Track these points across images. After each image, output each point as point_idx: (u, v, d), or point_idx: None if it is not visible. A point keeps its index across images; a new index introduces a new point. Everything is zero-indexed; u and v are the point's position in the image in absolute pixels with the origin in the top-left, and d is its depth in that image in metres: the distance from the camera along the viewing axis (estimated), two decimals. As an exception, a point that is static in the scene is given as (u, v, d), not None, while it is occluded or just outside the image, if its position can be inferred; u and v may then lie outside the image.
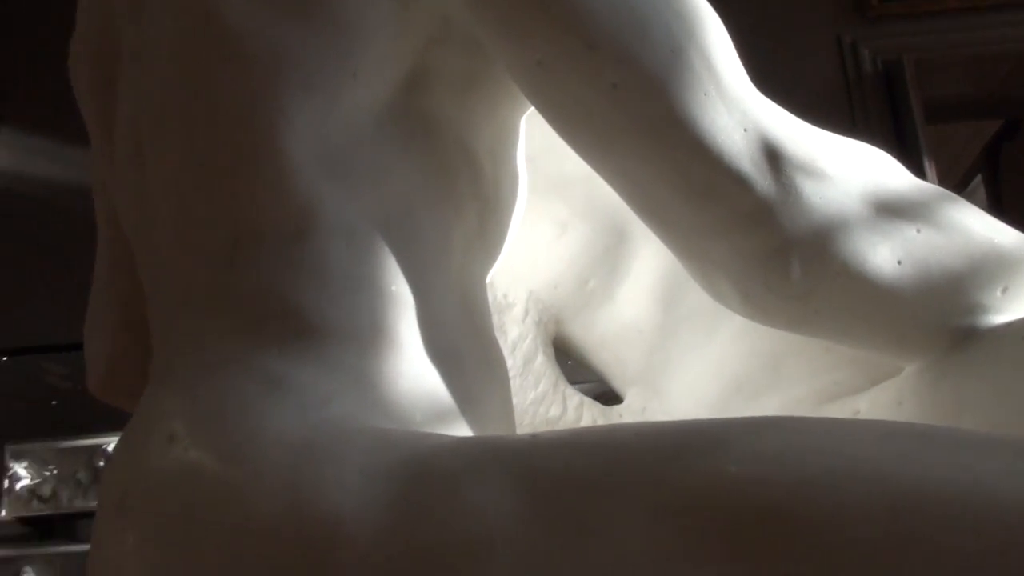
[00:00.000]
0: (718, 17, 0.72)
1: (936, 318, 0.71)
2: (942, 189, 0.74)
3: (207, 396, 0.60)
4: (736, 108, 0.67)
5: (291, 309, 0.63)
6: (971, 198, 3.63)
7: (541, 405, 0.96)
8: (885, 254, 0.68)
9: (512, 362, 0.96)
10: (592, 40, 0.65)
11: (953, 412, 0.70)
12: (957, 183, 4.00)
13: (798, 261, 0.67)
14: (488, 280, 0.92)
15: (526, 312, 0.97)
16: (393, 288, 0.65)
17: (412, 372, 0.64)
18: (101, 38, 0.82)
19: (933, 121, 3.65)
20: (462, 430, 0.65)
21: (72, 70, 0.87)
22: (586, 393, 1.01)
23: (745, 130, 0.67)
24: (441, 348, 0.67)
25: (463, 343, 0.69)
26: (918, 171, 3.47)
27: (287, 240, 0.64)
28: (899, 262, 0.68)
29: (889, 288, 0.68)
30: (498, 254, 0.79)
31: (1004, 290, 0.71)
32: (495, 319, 0.96)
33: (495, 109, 0.74)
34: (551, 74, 0.68)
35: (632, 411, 0.97)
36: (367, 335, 0.63)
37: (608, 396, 1.01)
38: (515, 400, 0.95)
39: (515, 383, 0.96)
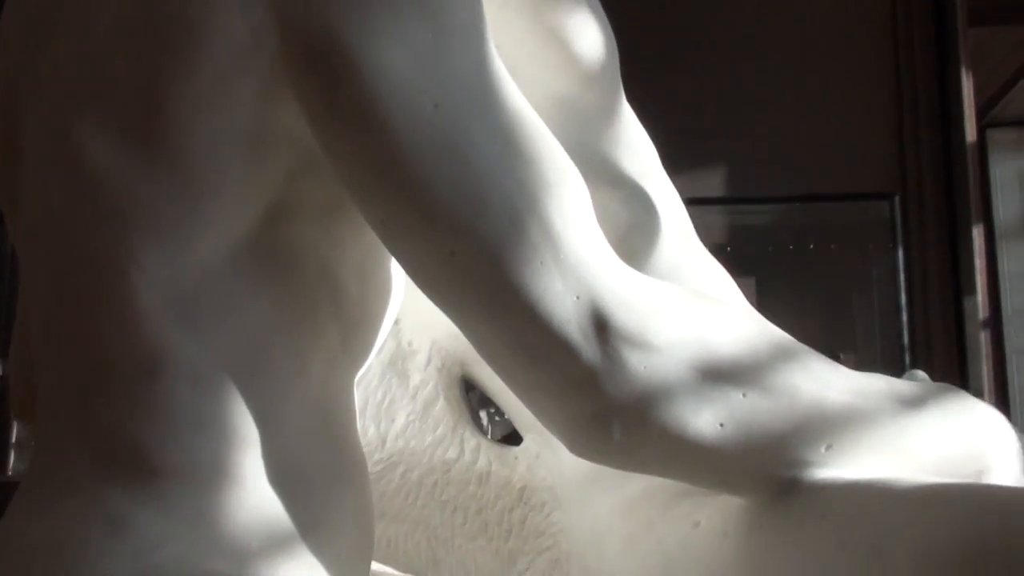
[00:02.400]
0: (573, 170, 0.73)
1: (760, 471, 0.75)
2: (781, 343, 0.77)
3: (55, 527, 0.67)
4: (571, 275, 0.69)
5: (136, 448, 0.68)
6: (1010, 106, 3.53)
7: (439, 448, 1.02)
8: (707, 418, 0.72)
9: (412, 407, 1.02)
10: (430, 212, 0.67)
11: (760, 564, 0.75)
12: (993, 94, 3.87)
13: (619, 425, 0.71)
14: (394, 322, 0.97)
15: (429, 359, 1.02)
16: (238, 425, 0.70)
17: (251, 503, 0.69)
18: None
19: (977, 24, 3.51)
20: (302, 555, 0.71)
21: None
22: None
23: (577, 297, 0.69)
24: (286, 474, 0.72)
25: (313, 462, 0.75)
26: (955, 80, 3.39)
27: (136, 380, 0.69)
28: (721, 424, 0.72)
29: (711, 448, 0.72)
30: (366, 359, 0.83)
31: (828, 447, 0.74)
32: (398, 365, 1.01)
33: (362, 231, 0.77)
34: (393, 235, 0.70)
35: (528, 455, 1.03)
36: (208, 473, 0.69)
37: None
38: (413, 443, 1.01)
39: (414, 427, 1.01)
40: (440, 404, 1.02)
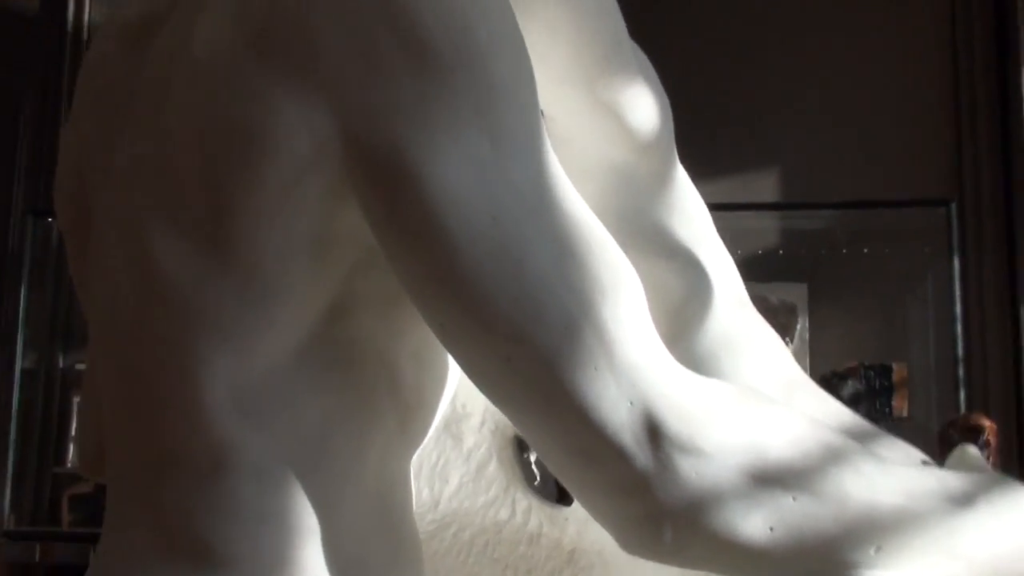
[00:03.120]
0: (628, 271, 0.74)
1: (809, 573, 0.76)
2: (832, 444, 0.77)
3: None
4: (625, 380, 0.70)
5: (202, 538, 0.72)
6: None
7: (491, 508, 1.03)
8: (757, 522, 0.72)
9: (466, 468, 1.03)
10: (487, 321, 0.69)
11: None
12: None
13: (670, 528, 0.72)
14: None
15: (483, 422, 1.03)
16: (299, 515, 0.73)
17: None
18: (78, 191, 0.88)
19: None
20: None
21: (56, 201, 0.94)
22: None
23: (631, 403, 0.71)
24: (344, 561, 0.75)
25: (370, 547, 0.77)
26: (1015, 76, 3.33)
27: (201, 473, 0.72)
28: (771, 528, 0.73)
29: (761, 551, 0.73)
30: (423, 440, 0.85)
31: (878, 549, 0.75)
32: (452, 427, 1.03)
33: (419, 320, 0.79)
34: (451, 338, 0.72)
35: (578, 517, 1.04)
36: (270, 562, 0.72)
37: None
38: (466, 504, 1.03)
39: (467, 488, 1.03)
40: (493, 465, 1.03)
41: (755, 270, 3.25)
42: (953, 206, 3.31)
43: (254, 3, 0.72)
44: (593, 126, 0.97)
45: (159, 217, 0.73)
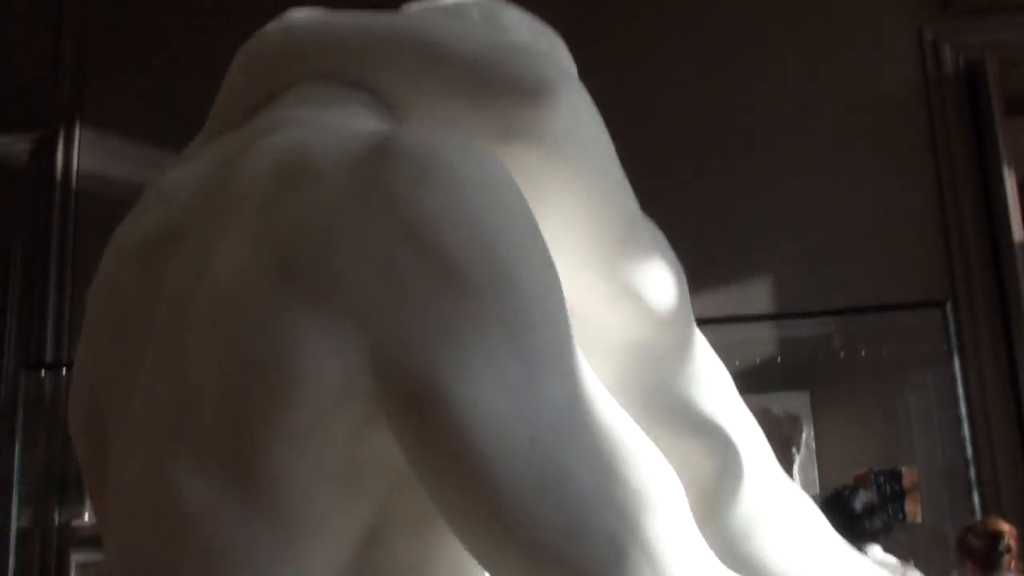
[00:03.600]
0: (670, 480, 0.72)
1: None
2: None
3: None
4: None
5: None
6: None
7: None
8: None
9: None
10: (532, 547, 0.67)
11: None
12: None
13: None
14: None
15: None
16: None
17: None
18: (91, 406, 0.86)
19: (1014, 113, 3.50)
20: None
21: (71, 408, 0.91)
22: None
23: None
24: None
25: None
26: (996, 172, 3.37)
27: None
28: None
29: None
30: None
31: None
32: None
33: (454, 541, 0.77)
34: (492, 562, 0.70)
35: None
36: None
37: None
38: None
39: None
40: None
41: (755, 381, 3.24)
42: (948, 306, 3.32)
43: (276, 230, 0.71)
44: (612, 306, 0.96)
45: (182, 453, 0.71)
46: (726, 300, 3.31)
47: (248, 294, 0.70)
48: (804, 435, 3.41)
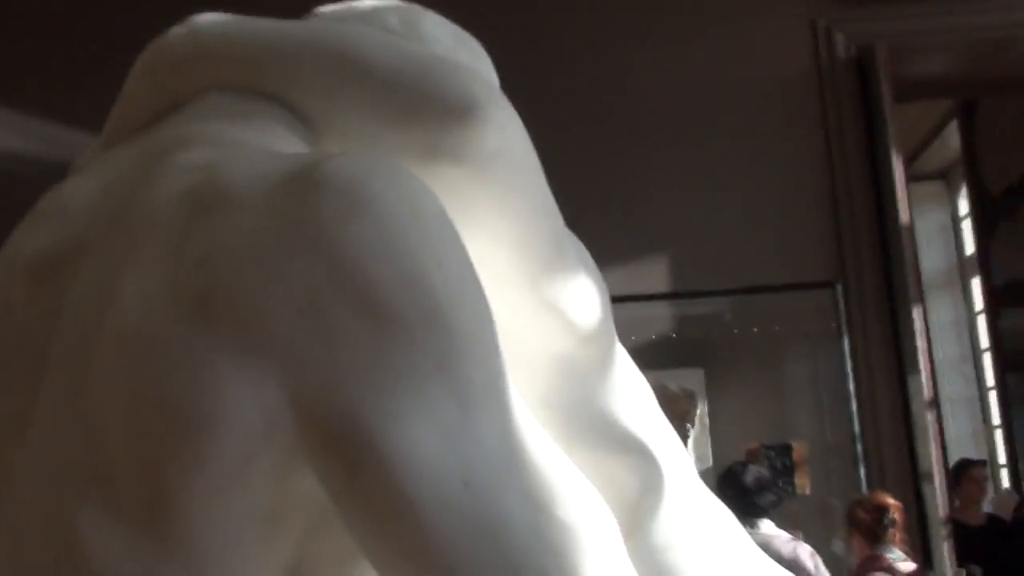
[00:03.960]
0: (603, 514, 0.73)
1: None
2: None
3: None
4: None
5: None
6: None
7: None
8: None
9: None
10: None
11: None
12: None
13: None
14: None
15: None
16: None
17: None
18: None
19: (902, 100, 3.61)
20: None
21: None
22: None
23: None
24: None
25: None
26: (885, 157, 3.47)
27: None
28: None
29: None
30: None
31: None
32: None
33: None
34: None
35: None
36: None
37: None
38: None
39: None
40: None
41: (651, 358, 3.29)
42: (839, 287, 3.42)
43: (188, 261, 0.66)
44: (536, 322, 0.96)
45: (86, 492, 0.66)
46: (623, 279, 3.34)
47: (158, 330, 0.65)
48: (699, 411, 3.49)
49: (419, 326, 0.65)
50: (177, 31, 0.91)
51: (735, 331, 3.61)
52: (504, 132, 0.86)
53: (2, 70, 3.90)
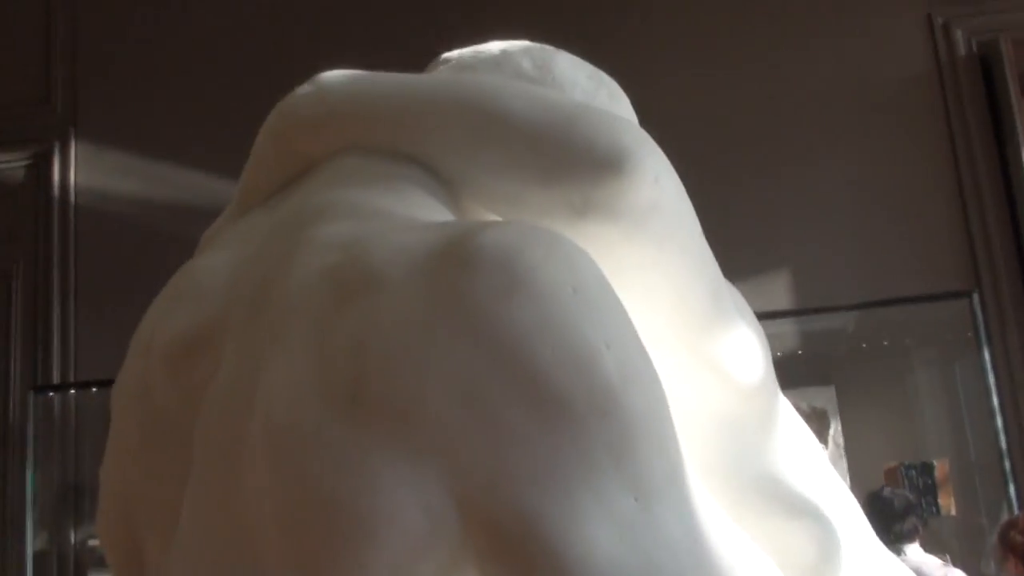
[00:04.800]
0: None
1: None
2: None
3: None
4: None
5: None
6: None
7: None
8: None
9: None
10: None
11: None
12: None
13: None
14: None
15: None
16: None
17: None
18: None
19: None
20: None
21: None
22: None
23: None
24: None
25: None
26: (1016, 156, 3.30)
27: None
28: None
29: None
30: None
31: None
32: None
33: None
34: None
35: None
36: None
37: None
38: None
39: None
40: None
41: (779, 377, 3.16)
42: (975, 296, 3.25)
43: (337, 349, 0.62)
44: (696, 381, 0.90)
45: None
46: (747, 295, 3.23)
47: (309, 425, 0.61)
48: (832, 430, 3.36)
49: (590, 414, 0.60)
50: (304, 91, 0.87)
51: (864, 346, 3.47)
52: (659, 184, 0.80)
53: (91, 108, 4.00)
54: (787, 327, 3.48)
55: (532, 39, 0.99)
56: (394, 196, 0.76)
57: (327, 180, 0.80)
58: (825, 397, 3.40)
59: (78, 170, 4.02)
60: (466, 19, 3.49)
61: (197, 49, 3.98)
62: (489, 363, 0.59)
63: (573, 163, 0.77)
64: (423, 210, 0.75)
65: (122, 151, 3.97)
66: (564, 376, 0.59)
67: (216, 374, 0.72)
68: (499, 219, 0.80)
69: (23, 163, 4.06)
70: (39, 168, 4.03)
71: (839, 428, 3.37)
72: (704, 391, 0.90)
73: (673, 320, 0.85)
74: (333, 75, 0.87)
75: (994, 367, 3.23)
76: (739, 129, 3.51)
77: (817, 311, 3.41)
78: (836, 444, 3.37)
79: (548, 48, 0.97)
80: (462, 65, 0.94)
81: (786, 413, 0.98)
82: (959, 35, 3.48)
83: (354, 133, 0.83)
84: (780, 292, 3.44)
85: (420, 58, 1.05)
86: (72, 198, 3.99)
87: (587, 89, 0.95)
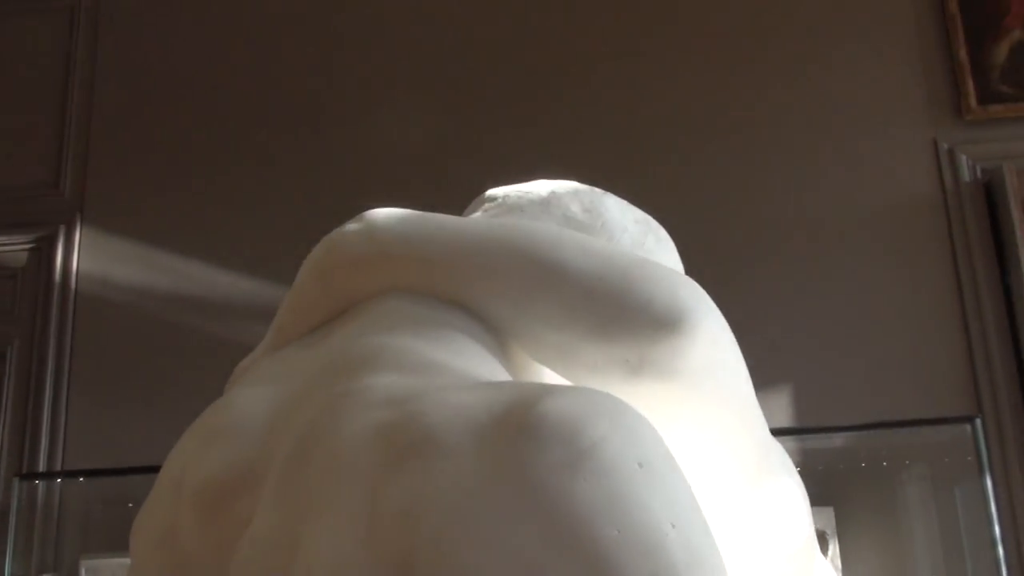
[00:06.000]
0: None
1: None
2: None
3: None
4: None
5: None
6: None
7: None
8: None
9: None
10: None
11: None
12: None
13: None
14: None
15: None
16: None
17: None
18: None
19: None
20: None
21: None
22: None
23: None
24: None
25: None
26: (1018, 283, 3.32)
27: None
28: None
29: None
30: None
31: None
32: None
33: None
34: None
35: None
36: None
37: None
38: None
39: None
40: None
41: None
42: (978, 421, 3.24)
43: (387, 517, 0.59)
44: (739, 539, 0.88)
45: None
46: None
47: None
48: (830, 552, 3.31)
49: None
50: (352, 228, 0.87)
51: (863, 466, 3.44)
52: (717, 344, 0.79)
53: (98, 196, 4.01)
54: (787, 445, 3.43)
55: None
56: (444, 346, 0.75)
57: (373, 323, 0.79)
58: (824, 518, 3.35)
59: (81, 255, 4.01)
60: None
61: (206, 146, 4.01)
62: (551, 541, 0.57)
63: (630, 320, 0.77)
64: (475, 361, 0.74)
65: (126, 239, 3.97)
66: (629, 558, 0.57)
67: (251, 523, 0.70)
68: (555, 375, 0.79)
69: (28, 246, 4.05)
70: (43, 251, 4.03)
71: (837, 550, 3.32)
72: (748, 552, 0.88)
73: (720, 481, 0.84)
74: (382, 213, 0.87)
75: (996, 494, 3.19)
76: (743, 248, 3.54)
77: (817, 431, 3.38)
78: (835, 567, 3.31)
79: (596, 190, 0.97)
80: (508, 206, 0.94)
81: (824, 572, 0.97)
82: (964, 161, 3.52)
83: (402, 275, 0.82)
84: (780, 410, 3.42)
85: (460, 189, 1.05)
86: (73, 283, 3.97)
87: (635, 235, 0.95)
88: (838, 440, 3.46)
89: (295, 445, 0.69)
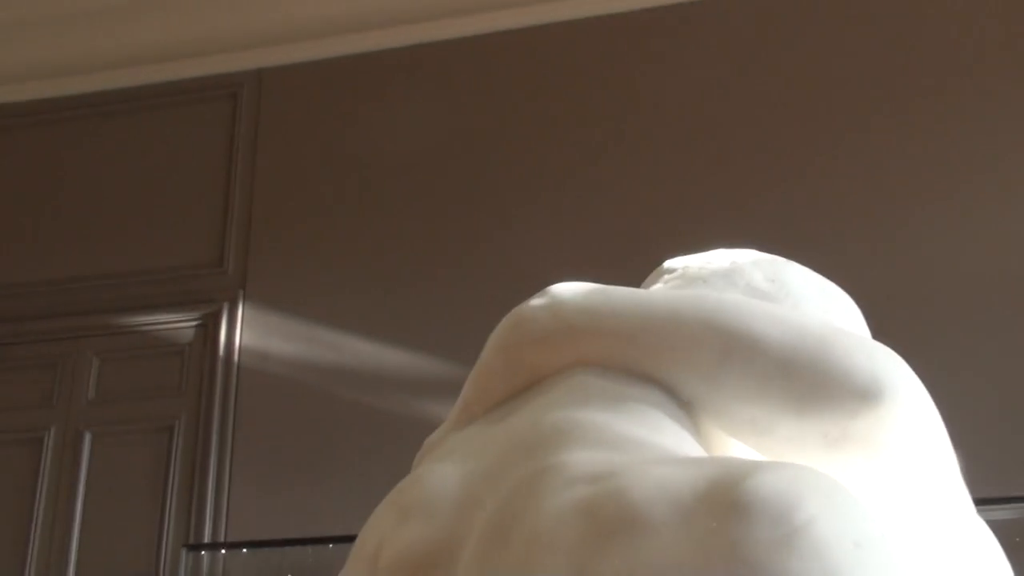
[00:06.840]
0: None
1: None
2: None
3: None
4: None
5: None
6: None
7: None
8: None
9: None
10: None
11: None
12: None
13: None
14: None
15: None
16: None
17: None
18: None
19: None
20: None
21: None
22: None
23: None
24: None
25: None
26: None
27: None
28: None
29: None
30: None
31: None
32: None
33: None
34: None
35: None
36: None
37: None
38: None
39: None
40: None
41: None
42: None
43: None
44: None
45: None
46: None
47: None
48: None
49: None
50: (537, 303, 0.87)
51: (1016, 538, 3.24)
52: (919, 413, 0.76)
53: (260, 274, 4.15)
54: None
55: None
56: (638, 420, 0.74)
57: (562, 398, 0.79)
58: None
59: (244, 331, 4.16)
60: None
61: (363, 223, 4.14)
62: None
63: (830, 393, 0.74)
64: (669, 436, 0.73)
65: (287, 315, 4.11)
66: None
67: None
68: (747, 448, 0.78)
69: (194, 323, 4.24)
70: (208, 328, 4.21)
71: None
72: None
73: (926, 551, 0.81)
74: (567, 287, 0.87)
75: None
76: (893, 312, 3.44)
77: (990, 501, 3.22)
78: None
79: (778, 259, 0.95)
80: (690, 277, 0.93)
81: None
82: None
83: (589, 350, 0.82)
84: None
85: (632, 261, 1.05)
86: (236, 358, 4.11)
87: (820, 304, 0.93)
88: (1010, 513, 3.28)
89: (493, 522, 0.69)
